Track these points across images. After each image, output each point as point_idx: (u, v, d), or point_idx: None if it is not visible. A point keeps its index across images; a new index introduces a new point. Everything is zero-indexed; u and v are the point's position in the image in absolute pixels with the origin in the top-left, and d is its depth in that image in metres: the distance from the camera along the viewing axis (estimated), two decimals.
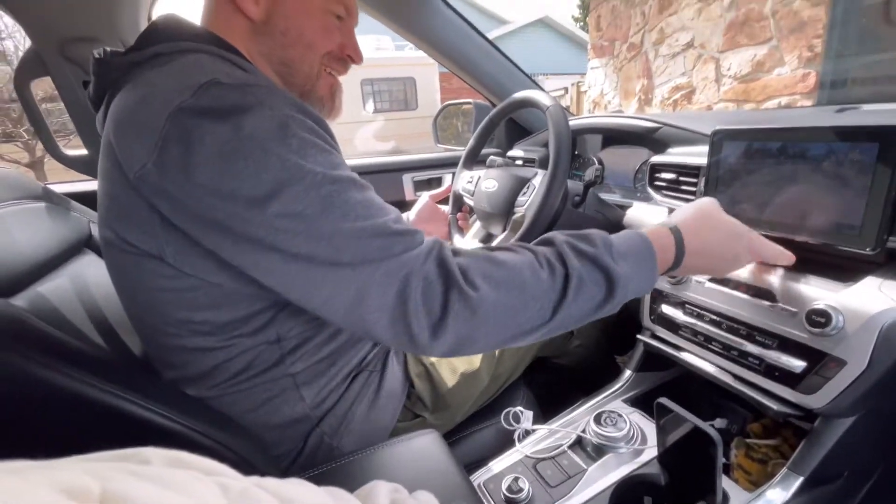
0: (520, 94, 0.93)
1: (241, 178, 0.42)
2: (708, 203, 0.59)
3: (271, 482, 0.25)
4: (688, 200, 0.78)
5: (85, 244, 0.72)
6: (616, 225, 0.94)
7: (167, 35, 0.52)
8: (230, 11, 0.55)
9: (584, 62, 4.42)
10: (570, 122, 1.13)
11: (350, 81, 7.66)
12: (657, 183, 0.86)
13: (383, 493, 0.33)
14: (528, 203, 0.82)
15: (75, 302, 0.59)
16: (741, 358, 0.64)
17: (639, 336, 0.82)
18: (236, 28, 0.56)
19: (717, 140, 0.68)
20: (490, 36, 1.26)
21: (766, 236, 0.66)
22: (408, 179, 1.43)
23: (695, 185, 0.77)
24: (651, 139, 0.93)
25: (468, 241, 0.97)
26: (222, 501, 0.21)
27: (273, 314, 0.54)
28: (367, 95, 7.99)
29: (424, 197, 1.02)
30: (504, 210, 0.87)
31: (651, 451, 0.65)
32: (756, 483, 0.67)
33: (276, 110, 0.45)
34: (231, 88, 0.45)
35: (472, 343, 0.46)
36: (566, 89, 6.55)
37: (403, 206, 1.44)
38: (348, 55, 0.63)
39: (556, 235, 0.52)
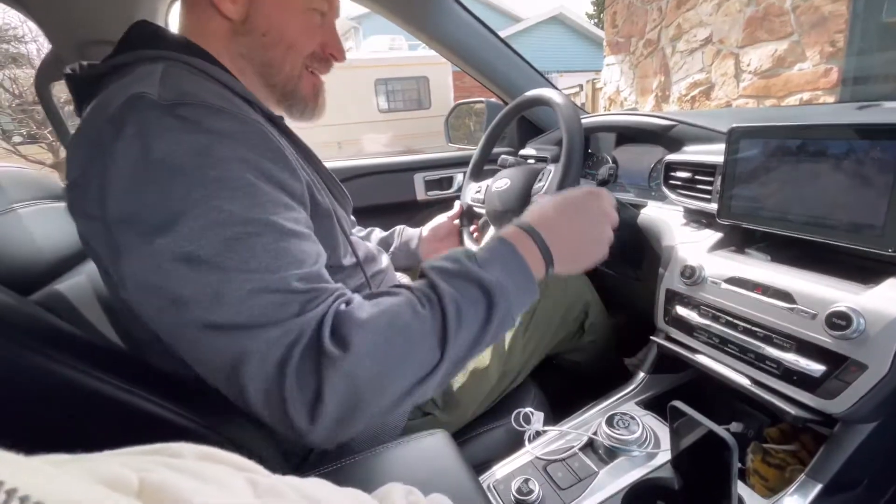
0: (530, 93, 0.92)
1: (142, 203, 0.39)
2: (566, 197, 0.58)
3: (295, 480, 0.25)
4: (704, 200, 0.77)
5: None
6: (630, 225, 0.93)
7: (134, 43, 0.51)
8: (209, 13, 0.54)
9: (599, 59, 4.37)
10: (584, 120, 1.12)
11: (364, 81, 7.65)
12: (672, 182, 0.84)
13: (399, 496, 0.33)
14: (545, 188, 0.81)
15: (92, 300, 0.61)
16: (758, 361, 0.62)
17: (652, 338, 0.81)
18: (215, 30, 0.54)
19: (734, 138, 0.67)
20: (503, 34, 1.26)
21: (785, 237, 0.64)
22: (419, 179, 1.44)
23: (710, 183, 0.76)
24: (666, 137, 0.91)
25: None
26: (251, 496, 0.21)
27: None
28: (380, 95, 7.99)
29: (441, 217, 1.01)
30: (519, 205, 0.87)
31: (664, 455, 0.64)
32: (773, 489, 0.66)
33: (200, 134, 0.41)
34: (152, 106, 0.41)
35: (358, 412, 0.40)
36: (581, 86, 6.49)
37: (415, 206, 1.44)
38: (331, 54, 0.62)
39: (423, 265, 0.50)
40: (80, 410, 0.42)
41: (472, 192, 1.02)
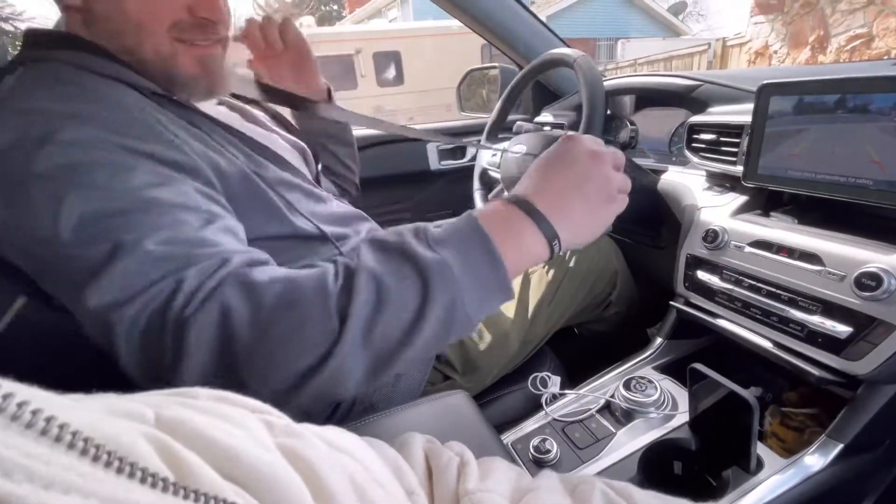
0: (549, 53, 0.89)
1: None
2: (546, 154, 0.48)
3: (312, 427, 0.26)
4: (728, 162, 0.75)
5: None
6: (650, 191, 0.91)
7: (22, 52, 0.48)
8: (60, 7, 0.49)
9: (656, 27, 4.64)
10: (604, 83, 1.08)
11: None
12: (695, 145, 0.82)
13: (418, 443, 0.34)
14: None
15: None
16: (781, 324, 0.62)
17: (671, 303, 0.80)
18: (73, 24, 0.50)
19: (765, 95, 0.64)
20: (557, 6, 1.20)
21: (813, 199, 0.62)
22: (432, 148, 1.42)
23: (736, 145, 0.73)
24: (689, 98, 0.88)
25: None
26: (267, 436, 0.22)
27: None
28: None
29: None
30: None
31: (682, 417, 0.65)
32: (791, 451, 0.66)
33: (41, 123, 0.39)
34: None
35: (234, 367, 0.36)
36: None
37: (428, 176, 1.43)
38: (203, 17, 0.50)
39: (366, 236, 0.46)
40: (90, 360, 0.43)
41: (489, 156, 1.00)
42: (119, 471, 0.13)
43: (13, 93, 0.43)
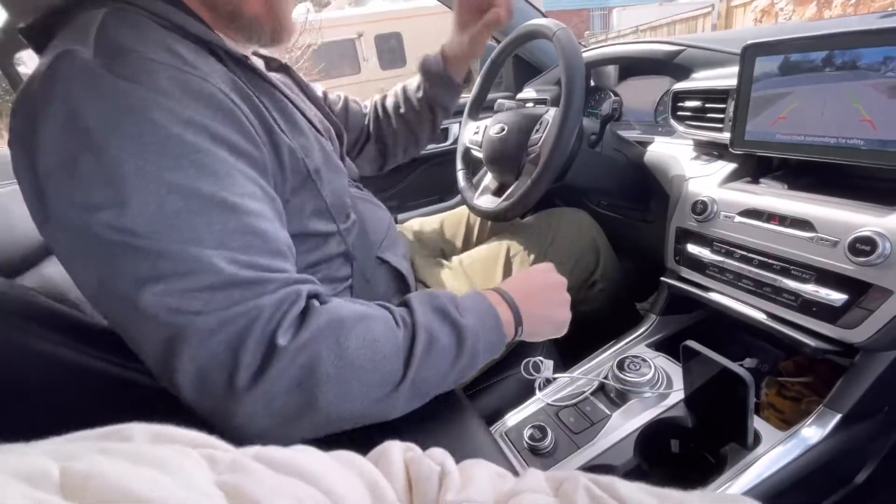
0: (524, 26, 0.85)
1: (71, 175, 0.35)
2: (535, 270, 0.61)
3: (272, 451, 0.24)
4: (715, 129, 0.72)
5: None
6: (637, 164, 0.88)
7: None
8: None
9: None
10: (584, 53, 1.05)
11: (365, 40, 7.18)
12: (681, 113, 0.79)
13: (397, 453, 0.32)
14: (542, 140, 0.76)
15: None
16: (775, 294, 0.60)
17: (663, 279, 0.79)
18: None
19: (749, 55, 0.61)
20: None
21: (804, 163, 0.60)
22: None
23: (723, 111, 0.71)
24: (672, 65, 0.85)
25: (483, 198, 0.92)
26: (209, 474, 0.19)
27: None
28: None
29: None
30: (515, 153, 0.82)
31: (677, 395, 0.64)
32: (788, 422, 0.65)
33: (134, 96, 0.36)
34: (82, 65, 0.37)
35: (307, 408, 0.39)
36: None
37: (412, 161, 1.38)
38: None
39: (407, 296, 0.50)
40: (72, 387, 0.41)
41: (471, 133, 0.96)
42: None
43: (106, 44, 0.38)
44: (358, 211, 0.64)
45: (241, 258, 0.38)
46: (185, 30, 0.44)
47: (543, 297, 0.60)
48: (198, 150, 0.38)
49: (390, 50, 7.44)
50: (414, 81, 0.89)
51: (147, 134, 0.36)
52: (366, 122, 0.90)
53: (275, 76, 0.65)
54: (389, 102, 0.91)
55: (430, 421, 0.52)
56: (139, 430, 0.20)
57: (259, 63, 0.54)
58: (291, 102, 0.53)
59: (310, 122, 0.56)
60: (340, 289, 0.60)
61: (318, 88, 0.76)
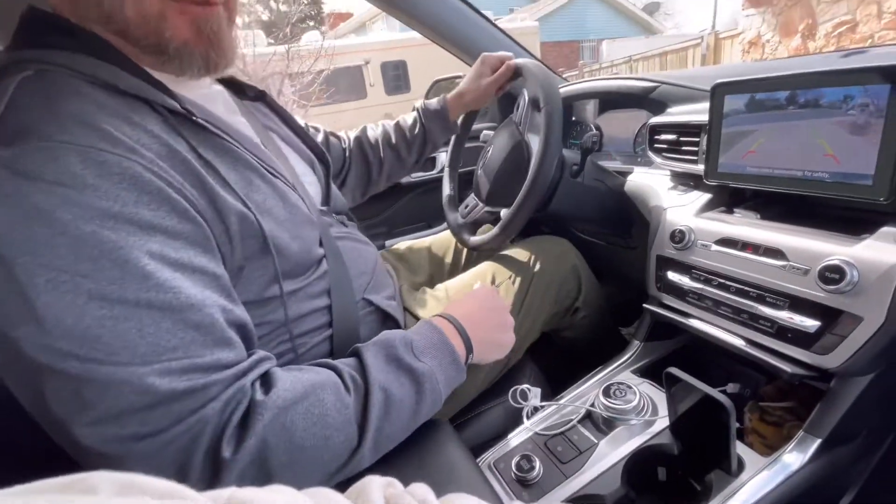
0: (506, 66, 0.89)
1: None
2: (481, 294, 0.65)
3: (247, 492, 0.23)
4: (690, 161, 0.75)
5: None
6: (618, 193, 0.91)
7: (18, 41, 0.43)
8: None
9: (632, 28, 4.92)
10: (564, 89, 1.09)
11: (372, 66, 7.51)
12: (657, 145, 0.82)
13: (376, 490, 0.31)
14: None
15: None
16: (752, 321, 0.62)
17: (645, 305, 0.80)
18: None
19: (719, 94, 0.64)
20: (543, 10, 1.20)
21: (774, 193, 0.63)
22: None
23: (696, 144, 0.74)
24: (649, 100, 0.89)
25: (469, 230, 0.95)
26: None
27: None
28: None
29: (473, 79, 0.91)
30: (507, 182, 0.85)
31: (663, 422, 0.64)
32: (772, 447, 0.66)
33: (42, 192, 0.33)
34: None
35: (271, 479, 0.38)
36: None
37: (398, 189, 1.41)
38: None
39: (357, 345, 0.50)
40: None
41: (459, 219, 0.98)
42: None
43: (12, 127, 0.35)
44: (338, 255, 0.60)
45: (177, 365, 0.35)
46: (117, 88, 0.41)
47: (490, 321, 0.62)
48: (118, 246, 0.34)
49: (395, 77, 7.78)
50: (409, 116, 0.94)
51: (57, 236, 0.33)
52: (346, 155, 0.92)
53: (252, 105, 0.64)
54: (378, 132, 0.94)
55: (415, 453, 0.51)
56: (104, 480, 0.19)
57: (209, 110, 0.49)
58: (250, 152, 0.49)
59: (272, 172, 0.51)
60: (318, 339, 0.57)
61: (300, 120, 0.76)
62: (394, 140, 0.92)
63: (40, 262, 0.32)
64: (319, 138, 0.88)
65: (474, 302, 0.63)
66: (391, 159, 0.93)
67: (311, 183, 0.65)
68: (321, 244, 0.58)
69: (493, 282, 0.82)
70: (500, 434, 0.70)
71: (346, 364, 0.47)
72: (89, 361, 0.33)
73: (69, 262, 0.33)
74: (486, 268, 0.85)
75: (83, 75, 0.40)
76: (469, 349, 0.57)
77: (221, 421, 0.37)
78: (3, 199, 0.33)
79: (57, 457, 0.35)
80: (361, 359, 0.48)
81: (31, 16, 0.43)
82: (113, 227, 0.34)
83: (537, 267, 0.85)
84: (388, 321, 0.69)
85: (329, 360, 0.48)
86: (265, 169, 0.50)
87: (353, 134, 0.94)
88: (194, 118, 0.44)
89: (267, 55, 6.78)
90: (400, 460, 0.50)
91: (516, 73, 0.87)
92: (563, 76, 1.45)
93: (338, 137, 0.93)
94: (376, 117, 1.00)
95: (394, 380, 0.47)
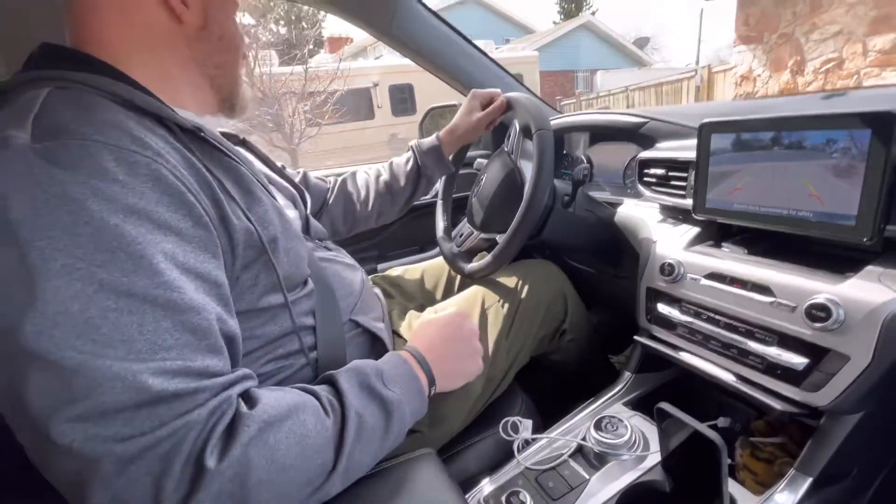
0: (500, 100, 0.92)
1: None
2: (448, 320, 0.65)
3: None
4: (678, 196, 0.77)
5: None
6: (608, 224, 0.93)
7: (32, 65, 0.45)
8: (151, 20, 0.48)
9: (624, 60, 5.06)
10: (556, 121, 1.12)
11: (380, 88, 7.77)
12: (647, 179, 0.84)
13: None
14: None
15: None
16: (741, 356, 0.62)
17: (636, 337, 0.80)
18: (161, 38, 0.49)
19: (706, 132, 0.66)
20: (539, 42, 1.24)
21: (760, 231, 0.64)
22: None
23: (685, 179, 0.76)
24: (638, 135, 0.91)
25: (463, 258, 0.96)
26: None
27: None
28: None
29: (465, 116, 0.94)
30: (501, 208, 0.86)
31: (654, 457, 0.63)
32: (763, 483, 0.65)
33: (72, 183, 0.35)
34: (18, 151, 0.35)
35: None
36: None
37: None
38: (244, 54, 0.60)
39: (331, 372, 0.50)
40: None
41: (454, 248, 1.00)
42: None
43: (47, 125, 0.37)
44: (323, 276, 0.62)
45: (171, 366, 0.35)
46: (133, 103, 0.43)
47: (456, 350, 0.63)
48: (137, 241, 0.36)
49: (402, 100, 8.14)
50: (404, 156, 0.97)
51: (81, 225, 0.34)
52: (328, 194, 0.95)
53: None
54: (371, 172, 0.98)
55: (403, 487, 0.50)
56: None
57: (214, 132, 0.54)
58: (249, 171, 0.52)
59: (267, 190, 0.55)
60: (303, 362, 0.57)
61: (277, 162, 0.80)
62: (385, 177, 0.96)
63: (58, 247, 0.33)
64: (298, 178, 0.91)
65: (434, 331, 0.64)
66: (381, 196, 0.96)
67: (293, 218, 0.66)
68: (308, 264, 0.60)
69: (482, 305, 0.82)
70: (490, 467, 0.68)
71: (322, 389, 0.48)
72: (85, 353, 0.33)
73: (88, 251, 0.34)
74: (475, 292, 0.85)
75: (102, 91, 0.42)
76: (432, 382, 0.58)
77: (206, 428, 0.36)
78: (33, 185, 0.34)
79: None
80: (336, 384, 0.48)
81: (44, 49, 0.46)
82: (135, 223, 0.36)
83: (525, 290, 0.85)
84: (376, 343, 0.69)
85: (306, 385, 0.48)
86: (260, 186, 0.53)
87: (344, 175, 0.98)
88: (202, 134, 0.47)
89: (282, 75, 7.08)
90: (387, 495, 0.49)
91: (508, 106, 0.89)
92: (561, 104, 1.49)
93: (321, 179, 0.97)
94: (383, 136, 1.03)
95: (367, 405, 0.47)
